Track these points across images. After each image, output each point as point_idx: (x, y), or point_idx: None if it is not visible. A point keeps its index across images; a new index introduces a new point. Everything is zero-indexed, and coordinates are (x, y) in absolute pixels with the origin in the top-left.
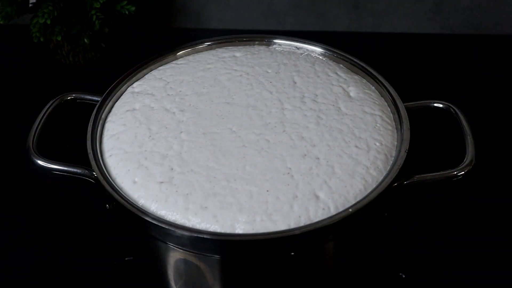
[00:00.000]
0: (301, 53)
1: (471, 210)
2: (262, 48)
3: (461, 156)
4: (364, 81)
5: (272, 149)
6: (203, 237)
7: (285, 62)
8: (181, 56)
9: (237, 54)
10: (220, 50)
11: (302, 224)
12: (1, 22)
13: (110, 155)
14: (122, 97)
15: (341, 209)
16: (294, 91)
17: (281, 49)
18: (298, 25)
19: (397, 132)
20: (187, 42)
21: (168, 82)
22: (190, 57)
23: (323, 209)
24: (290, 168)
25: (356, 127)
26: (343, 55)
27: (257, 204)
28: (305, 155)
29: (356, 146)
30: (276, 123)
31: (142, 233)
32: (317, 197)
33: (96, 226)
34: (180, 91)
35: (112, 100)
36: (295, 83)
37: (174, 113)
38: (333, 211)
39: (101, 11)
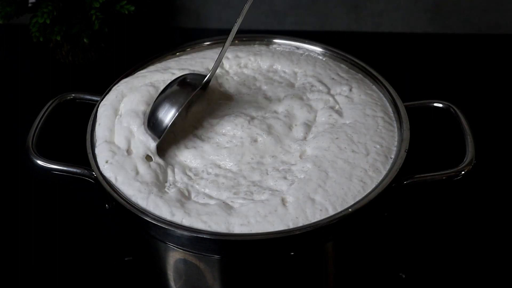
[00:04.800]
0: (301, 53)
1: (471, 210)
2: (262, 48)
3: (461, 156)
4: (367, 81)
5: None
6: (203, 237)
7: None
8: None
9: (240, 54)
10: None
11: (300, 224)
12: (1, 22)
13: None
14: None
15: (339, 210)
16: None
17: (281, 49)
18: (298, 25)
19: (397, 132)
20: (187, 42)
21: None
22: None
23: (321, 210)
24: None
25: (356, 132)
26: (343, 55)
27: (246, 208)
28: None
29: (353, 151)
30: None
31: (141, 233)
32: (312, 199)
33: (96, 226)
34: None
35: None
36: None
37: None
38: (331, 212)
39: (100, 10)
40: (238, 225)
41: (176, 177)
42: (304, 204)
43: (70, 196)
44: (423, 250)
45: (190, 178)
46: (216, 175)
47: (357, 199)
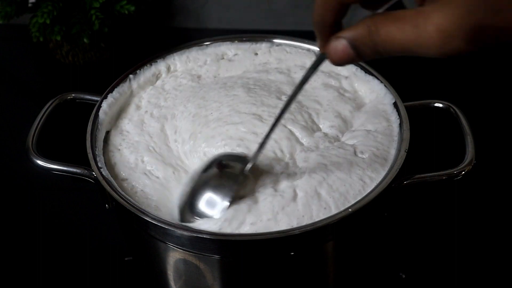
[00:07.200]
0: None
1: (471, 210)
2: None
3: (461, 156)
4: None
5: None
6: (203, 237)
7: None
8: None
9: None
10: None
11: (304, 223)
12: (1, 22)
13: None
14: None
15: (341, 209)
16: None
17: (281, 49)
18: (298, 25)
19: (397, 131)
20: (187, 42)
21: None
22: None
23: (325, 208)
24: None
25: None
26: None
27: (263, 204)
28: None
29: (342, 148)
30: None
31: (141, 233)
32: (318, 194)
33: (96, 226)
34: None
35: None
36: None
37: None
38: (334, 211)
39: (100, 10)
40: (248, 225)
41: None
42: (311, 200)
43: (70, 196)
44: (423, 250)
45: None
46: None
47: (358, 198)
